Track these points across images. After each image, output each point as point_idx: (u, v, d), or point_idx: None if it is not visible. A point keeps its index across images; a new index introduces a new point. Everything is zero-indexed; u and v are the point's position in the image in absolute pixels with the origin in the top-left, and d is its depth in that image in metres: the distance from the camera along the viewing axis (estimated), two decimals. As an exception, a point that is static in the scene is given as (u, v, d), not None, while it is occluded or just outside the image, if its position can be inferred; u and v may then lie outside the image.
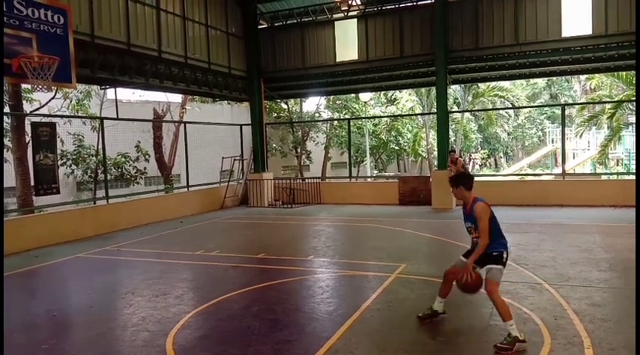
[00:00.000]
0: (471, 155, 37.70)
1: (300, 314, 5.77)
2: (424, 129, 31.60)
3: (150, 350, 4.78)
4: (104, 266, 8.68)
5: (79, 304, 6.64)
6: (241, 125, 18.30)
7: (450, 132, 25.49)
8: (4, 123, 14.75)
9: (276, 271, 7.60)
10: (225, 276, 7.54)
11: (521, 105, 33.57)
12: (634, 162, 24.00)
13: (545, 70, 15.32)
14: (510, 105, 33.06)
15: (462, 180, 4.89)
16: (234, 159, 17.79)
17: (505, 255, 4.69)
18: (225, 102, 25.02)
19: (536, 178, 21.03)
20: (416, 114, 30.90)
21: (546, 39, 13.55)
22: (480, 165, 39.75)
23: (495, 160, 44.21)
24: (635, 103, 14.61)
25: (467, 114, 33.48)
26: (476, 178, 15.81)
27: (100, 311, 6.12)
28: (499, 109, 35.12)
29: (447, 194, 14.01)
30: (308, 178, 18.85)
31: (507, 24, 13.87)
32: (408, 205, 14.97)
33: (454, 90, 31.11)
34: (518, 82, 33.73)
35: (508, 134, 41.12)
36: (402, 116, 30.27)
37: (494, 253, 4.68)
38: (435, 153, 17.60)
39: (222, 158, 17.84)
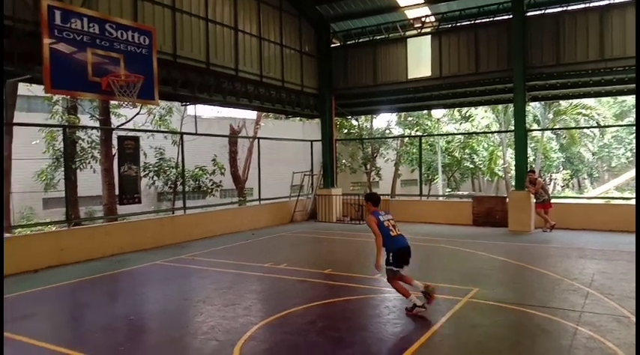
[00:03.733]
0: (551, 175, 35.80)
1: (365, 333, 5.68)
2: (501, 148, 30.49)
3: (217, 360, 4.89)
4: (179, 274, 9.04)
5: (154, 309, 6.96)
6: (312, 141, 18.56)
7: (529, 151, 24.36)
8: (95, 137, 15.96)
9: (342, 288, 7.55)
10: (292, 290, 7.60)
11: (607, 123, 31.46)
12: None
13: (634, 87, 14.28)
14: (595, 124, 31.06)
15: (372, 198, 6.66)
16: (304, 175, 18.03)
17: (391, 257, 6.17)
18: (297, 118, 25.54)
19: (625, 202, 19.50)
20: (492, 132, 29.90)
21: (634, 54, 12.65)
22: (561, 187, 37.59)
23: (579, 182, 41.63)
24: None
25: (547, 132, 31.89)
26: (557, 200, 14.93)
27: (172, 318, 6.38)
28: (583, 128, 33.06)
29: (525, 216, 13.41)
30: (377, 195, 18.66)
31: (592, 39, 13.11)
32: (483, 226, 14.40)
33: (533, 108, 29.83)
34: (604, 99, 31.65)
35: (593, 154, 38.58)
36: (477, 133, 29.40)
37: (387, 257, 6.21)
38: (513, 172, 16.86)
39: (293, 173, 18.15)
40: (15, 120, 14.84)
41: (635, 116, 17.92)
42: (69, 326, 6.37)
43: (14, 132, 14.30)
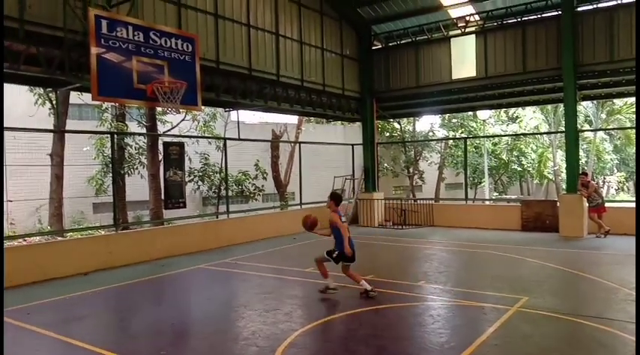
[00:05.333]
0: (604, 178, 34.19)
1: (409, 343, 5.50)
2: (550, 149, 29.37)
3: (257, 366, 4.84)
4: (222, 278, 9.12)
5: (197, 314, 7.02)
6: (353, 145, 18.42)
7: (581, 153, 23.32)
8: (142, 143, 16.41)
9: (384, 295, 7.37)
10: (334, 296, 7.48)
11: (667, 122, 29.68)
12: None
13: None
14: (653, 123, 29.36)
15: (337, 197, 7.56)
16: (346, 179, 17.91)
17: (335, 254, 7.25)
18: (338, 122, 25.48)
19: (688, 206, 18.33)
20: (541, 133, 28.83)
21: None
22: (615, 190, 35.82)
23: (635, 184, 39.52)
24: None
25: (600, 133, 30.49)
26: (611, 204, 14.22)
27: (214, 323, 6.39)
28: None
29: (578, 220, 12.83)
30: (420, 199, 18.34)
31: (650, 32, 12.39)
32: (532, 231, 13.85)
33: (585, 107, 28.58)
34: (663, 96, 29.94)
35: (651, 155, 36.51)
36: (525, 135, 28.42)
37: (331, 251, 7.32)
38: (564, 175, 16.17)
39: (334, 177, 18.06)
40: (67, 128, 15.54)
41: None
42: (114, 329, 6.50)
43: (66, 139, 14.97)
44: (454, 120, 28.81)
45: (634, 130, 31.25)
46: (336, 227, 7.25)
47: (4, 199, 11.38)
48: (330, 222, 7.30)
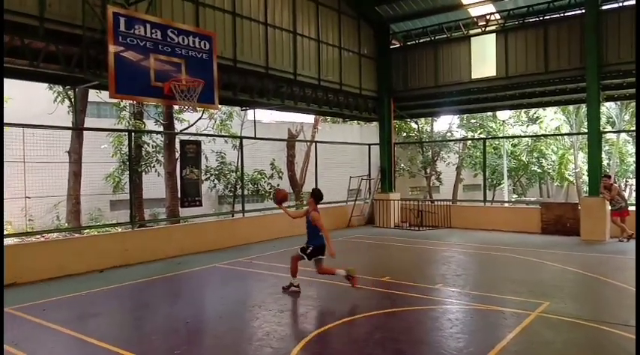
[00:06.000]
0: (626, 181, 33.50)
1: (426, 347, 5.37)
2: (572, 151, 28.84)
3: (271, 368, 4.76)
4: (237, 277, 9.07)
5: (211, 313, 6.98)
6: (369, 144, 18.28)
7: (603, 155, 22.83)
8: (159, 141, 16.48)
9: (401, 297, 7.25)
10: (349, 297, 7.39)
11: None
12: None
13: None
14: (679, 125, 28.66)
15: (319, 195, 7.62)
16: (362, 179, 17.77)
17: (310, 249, 7.47)
18: (355, 122, 25.32)
19: None
20: (562, 135, 28.33)
21: None
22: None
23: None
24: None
25: (624, 134, 29.86)
26: (634, 208, 13.87)
27: (228, 322, 6.34)
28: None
29: (600, 224, 12.52)
30: (438, 200, 18.11)
31: (679, 31, 12.03)
32: (552, 235, 13.56)
33: (608, 108, 28.00)
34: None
35: (676, 158, 35.65)
36: (545, 136, 27.95)
37: (306, 247, 7.55)
38: (585, 177, 15.81)
39: (350, 177, 17.93)
40: (85, 126, 15.68)
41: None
42: (128, 327, 6.48)
43: (84, 136, 15.10)
44: (473, 121, 28.49)
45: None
46: (315, 224, 7.39)
47: (23, 195, 11.49)
48: (313, 219, 7.41)
